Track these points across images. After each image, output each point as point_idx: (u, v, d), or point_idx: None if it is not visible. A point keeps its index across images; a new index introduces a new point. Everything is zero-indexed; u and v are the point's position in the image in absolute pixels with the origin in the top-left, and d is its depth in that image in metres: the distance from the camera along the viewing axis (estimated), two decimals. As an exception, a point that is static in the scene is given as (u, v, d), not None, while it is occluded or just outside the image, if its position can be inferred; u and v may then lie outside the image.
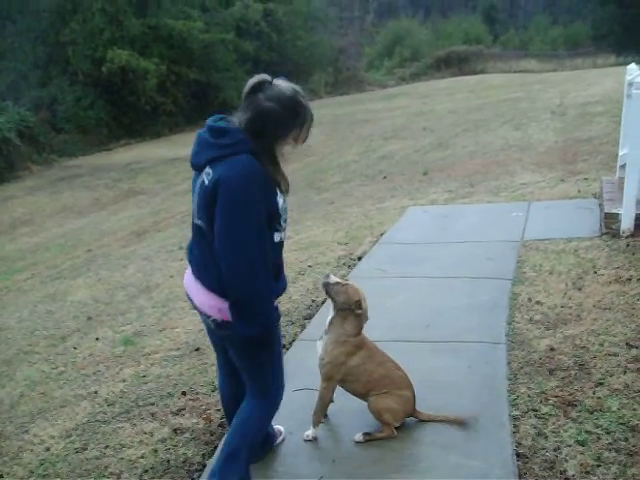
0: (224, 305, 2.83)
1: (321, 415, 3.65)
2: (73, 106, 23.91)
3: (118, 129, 24.98)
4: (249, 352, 3.00)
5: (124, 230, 10.55)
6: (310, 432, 3.64)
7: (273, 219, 2.86)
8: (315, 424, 3.65)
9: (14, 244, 11.02)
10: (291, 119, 2.79)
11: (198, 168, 2.86)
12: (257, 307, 2.78)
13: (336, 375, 3.52)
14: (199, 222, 2.86)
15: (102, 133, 24.42)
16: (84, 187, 15.84)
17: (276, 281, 2.98)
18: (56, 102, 23.93)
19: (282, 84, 2.79)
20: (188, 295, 3.06)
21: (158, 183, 15.00)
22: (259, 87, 2.75)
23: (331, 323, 3.53)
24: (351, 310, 3.45)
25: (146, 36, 25.56)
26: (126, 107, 24.96)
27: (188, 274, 3.05)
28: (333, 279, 3.50)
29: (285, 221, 2.97)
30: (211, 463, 3.59)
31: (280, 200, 2.86)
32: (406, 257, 6.74)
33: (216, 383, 4.54)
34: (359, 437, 3.59)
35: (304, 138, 2.91)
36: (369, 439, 3.57)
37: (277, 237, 2.93)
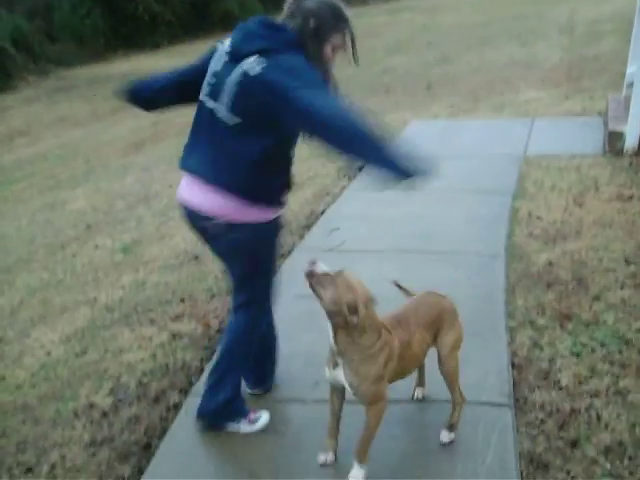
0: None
1: (369, 446, 2.73)
2: (69, 14, 23.23)
3: (115, 39, 24.34)
4: (250, 251, 2.89)
5: (122, 141, 10.42)
6: (359, 474, 2.73)
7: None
8: (363, 460, 2.73)
9: (11, 154, 10.89)
10: (334, 21, 2.69)
11: (237, 57, 2.61)
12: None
13: (384, 390, 2.67)
14: (223, 112, 2.66)
15: (99, 43, 23.80)
16: (81, 98, 15.56)
17: None
18: (51, 10, 23.28)
19: None
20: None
21: (157, 95, 14.71)
22: None
23: (337, 344, 2.57)
24: (342, 315, 2.44)
25: (145, -60, 24.68)
26: (123, 16, 24.23)
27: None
28: (321, 268, 2.48)
29: None
30: (209, 367, 3.64)
31: None
32: (407, 170, 6.68)
33: (214, 290, 4.60)
34: (447, 437, 2.95)
35: (343, 48, 2.77)
36: (455, 430, 2.96)
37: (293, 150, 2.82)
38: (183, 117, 9.88)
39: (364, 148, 2.46)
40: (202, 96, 2.75)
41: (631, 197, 5.38)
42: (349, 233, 5.17)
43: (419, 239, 4.99)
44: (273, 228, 2.91)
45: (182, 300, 4.52)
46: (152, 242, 5.68)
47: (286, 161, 2.83)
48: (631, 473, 2.67)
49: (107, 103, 14.34)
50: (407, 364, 2.79)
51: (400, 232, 5.15)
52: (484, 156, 6.89)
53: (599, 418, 2.98)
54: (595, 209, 5.23)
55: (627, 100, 6.74)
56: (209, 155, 2.73)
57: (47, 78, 19.75)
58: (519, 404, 3.13)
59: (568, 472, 2.70)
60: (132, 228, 6.12)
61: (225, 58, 2.67)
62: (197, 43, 23.93)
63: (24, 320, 4.63)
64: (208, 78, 2.73)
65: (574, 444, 2.85)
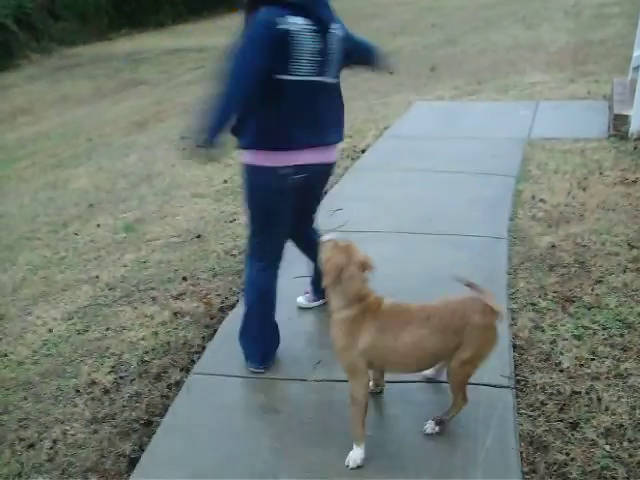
0: None
1: (361, 425, 2.72)
2: (72, -8, 23.13)
3: (119, 18, 24.23)
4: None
5: (125, 120, 10.40)
6: (356, 455, 2.72)
7: None
8: (357, 440, 2.73)
9: (14, 133, 10.89)
10: None
11: (325, 29, 2.90)
12: None
13: (358, 364, 2.66)
14: (331, 79, 3.04)
15: (103, 21, 23.71)
16: (84, 76, 15.55)
17: None
18: (55, -13, 23.15)
19: None
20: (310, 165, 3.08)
21: (161, 74, 14.69)
22: None
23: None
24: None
25: None
26: (127, -5, 24.14)
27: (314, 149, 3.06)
28: (329, 236, 2.78)
29: None
30: (211, 345, 3.66)
31: None
32: (410, 151, 6.67)
33: (217, 269, 4.60)
34: (432, 429, 2.85)
35: None
36: (444, 427, 2.86)
37: None
38: (185, 97, 9.88)
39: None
40: (301, 77, 2.87)
41: (635, 181, 5.36)
42: (351, 214, 5.16)
43: (422, 220, 4.98)
44: None
45: (184, 279, 4.53)
46: (154, 221, 5.68)
47: None
48: (631, 455, 2.67)
49: (110, 82, 14.33)
50: (389, 359, 2.71)
51: (403, 213, 5.14)
52: (488, 138, 6.87)
53: (599, 400, 2.99)
54: (599, 193, 5.22)
55: (633, 84, 6.70)
56: (331, 120, 3.13)
57: (50, 56, 19.72)
58: (520, 386, 3.14)
59: (568, 454, 2.71)
60: (134, 207, 6.12)
61: (316, 34, 2.85)
62: (201, 22, 23.85)
63: (26, 297, 4.64)
64: (311, 57, 2.86)
65: (574, 426, 2.85)
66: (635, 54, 7.58)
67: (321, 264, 2.69)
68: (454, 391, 2.79)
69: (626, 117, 6.41)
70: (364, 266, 2.66)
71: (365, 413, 2.70)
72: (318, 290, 3.81)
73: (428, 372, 3.15)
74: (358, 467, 2.70)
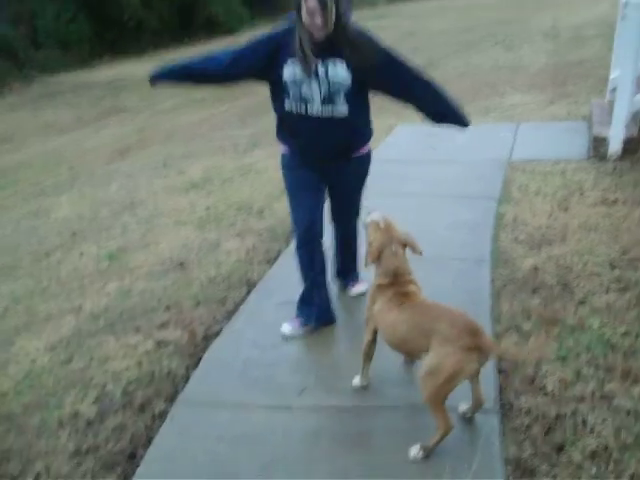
0: None
1: (363, 361, 3.29)
2: (53, 20, 23.09)
3: (101, 45, 24.22)
4: None
5: (107, 148, 10.37)
6: (355, 381, 3.35)
7: (275, 84, 3.38)
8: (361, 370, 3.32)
9: (-4, 161, 10.86)
10: None
11: None
12: None
13: (370, 321, 3.20)
14: None
15: (84, 49, 23.68)
16: (66, 104, 15.52)
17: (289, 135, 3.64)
18: (36, 16, 23.12)
19: None
20: None
21: (142, 101, 14.68)
22: None
23: None
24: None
25: (130, -54, 24.57)
26: (109, 22, 24.11)
27: None
28: (370, 218, 3.32)
29: (296, 96, 3.36)
30: (196, 375, 3.64)
31: (287, 70, 3.29)
32: (392, 175, 6.68)
33: (200, 298, 4.59)
34: (416, 453, 2.87)
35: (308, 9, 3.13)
36: (429, 452, 2.87)
37: (286, 104, 3.41)
38: (168, 123, 9.84)
39: None
40: None
41: (615, 201, 5.40)
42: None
43: (404, 244, 4.98)
44: None
45: (167, 308, 4.50)
46: (137, 249, 5.65)
47: None
48: (617, 477, 2.67)
49: (92, 109, 14.31)
50: (380, 330, 3.13)
51: (386, 237, 5.14)
52: (469, 161, 6.91)
53: (585, 423, 2.99)
54: (580, 214, 5.25)
55: (611, 105, 6.78)
56: None
57: (31, 84, 19.68)
58: (505, 409, 3.14)
59: (554, 477, 2.71)
60: (117, 235, 6.09)
61: None
62: (182, 49, 23.90)
63: (9, 328, 4.59)
64: None
65: (560, 449, 2.85)
66: (612, 76, 7.67)
67: (367, 242, 3.23)
68: (428, 406, 2.80)
69: (604, 139, 6.48)
70: (404, 244, 3.18)
71: (365, 356, 3.26)
72: (303, 313, 3.84)
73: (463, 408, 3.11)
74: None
